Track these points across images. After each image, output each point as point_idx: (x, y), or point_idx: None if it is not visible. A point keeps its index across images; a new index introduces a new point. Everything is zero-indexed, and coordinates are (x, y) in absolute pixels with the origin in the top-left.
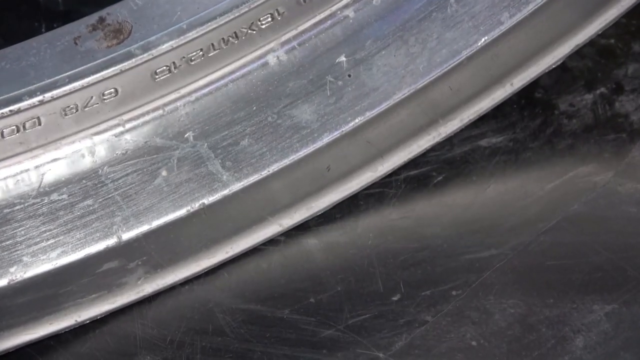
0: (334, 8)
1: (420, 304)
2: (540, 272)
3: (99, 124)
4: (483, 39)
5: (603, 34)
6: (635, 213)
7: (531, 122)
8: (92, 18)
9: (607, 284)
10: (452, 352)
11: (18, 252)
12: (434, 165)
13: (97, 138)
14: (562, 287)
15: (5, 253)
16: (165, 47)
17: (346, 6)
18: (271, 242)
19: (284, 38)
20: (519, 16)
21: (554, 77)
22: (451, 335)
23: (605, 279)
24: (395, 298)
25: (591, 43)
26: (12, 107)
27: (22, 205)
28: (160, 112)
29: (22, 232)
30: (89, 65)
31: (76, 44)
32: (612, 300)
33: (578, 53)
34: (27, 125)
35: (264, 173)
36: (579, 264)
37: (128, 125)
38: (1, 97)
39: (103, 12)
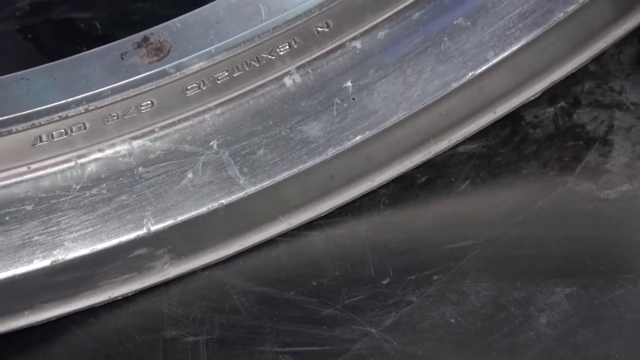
0: (343, 40)
1: (407, 286)
2: (510, 260)
3: (136, 130)
4: (470, 73)
5: None
6: (590, 209)
7: (501, 131)
8: (138, 37)
9: (567, 270)
10: (434, 328)
11: (61, 237)
12: (419, 169)
13: (134, 142)
14: (528, 273)
15: (50, 237)
16: (196, 67)
17: (354, 38)
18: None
19: (299, 64)
20: (502, 55)
21: None
22: (433, 313)
23: (565, 266)
24: (385, 282)
25: None
26: (61, 114)
27: (66, 197)
28: (190, 122)
29: (66, 220)
30: (131, 79)
31: (122, 58)
32: (572, 284)
33: None
34: (74, 129)
35: (276, 180)
36: (543, 253)
37: (161, 133)
38: (53, 105)
39: (147, 32)
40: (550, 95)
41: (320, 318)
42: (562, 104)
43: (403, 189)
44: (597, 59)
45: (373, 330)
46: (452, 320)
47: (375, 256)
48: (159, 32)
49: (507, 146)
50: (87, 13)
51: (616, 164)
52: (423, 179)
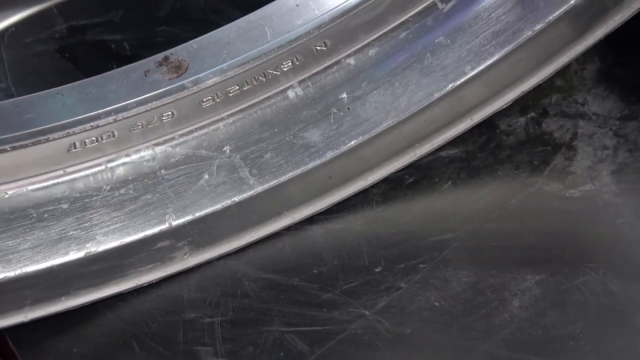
0: (339, 57)
1: (396, 274)
2: (486, 250)
3: (158, 137)
4: (450, 85)
5: None
6: (557, 206)
7: (479, 138)
8: (160, 56)
9: (536, 259)
10: (420, 311)
11: (93, 231)
12: (407, 171)
13: (157, 148)
14: (502, 262)
15: (83, 232)
16: (210, 82)
17: (348, 56)
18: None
19: (300, 78)
20: (478, 69)
21: None
22: (419, 297)
23: (535, 256)
24: (377, 270)
25: None
26: (92, 124)
27: (98, 197)
28: (205, 130)
29: (97, 217)
30: (153, 93)
31: (146, 75)
32: (541, 272)
33: None
34: (104, 137)
35: (281, 180)
36: (516, 245)
37: (181, 140)
38: (85, 115)
39: (168, 52)
40: (521, 106)
41: (320, 302)
42: (532, 114)
43: (393, 188)
44: (563, 75)
45: (367, 312)
46: (436, 304)
47: (368, 247)
48: (178, 52)
49: (484, 151)
50: (117, 35)
51: (580, 166)
52: (410, 180)
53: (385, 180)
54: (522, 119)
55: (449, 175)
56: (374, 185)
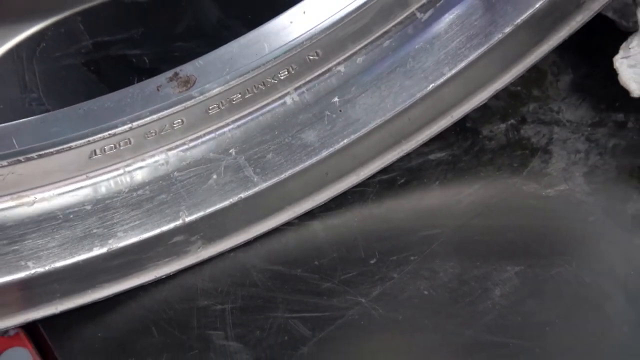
0: (330, 65)
1: (389, 265)
2: (471, 244)
3: (171, 143)
4: (431, 85)
5: (513, 83)
6: (534, 205)
7: (464, 143)
8: (170, 73)
9: (516, 253)
10: (411, 299)
11: (115, 229)
12: (398, 172)
13: (169, 153)
14: (485, 255)
15: (105, 230)
16: (216, 92)
17: (339, 63)
18: (288, 224)
19: (296, 85)
20: (455, 70)
21: (479, 112)
22: (410, 287)
23: (515, 250)
24: (372, 261)
25: (504, 89)
26: (110, 132)
27: (118, 198)
28: (213, 135)
29: (118, 216)
30: (165, 103)
31: (158, 90)
32: (520, 264)
33: (496, 96)
34: (122, 144)
35: (282, 177)
36: (497, 239)
37: (191, 144)
38: (104, 125)
39: (177, 69)
40: (502, 114)
41: (321, 290)
42: (512, 121)
43: (386, 188)
44: (539, 86)
45: (363, 300)
46: (426, 292)
47: (364, 241)
48: (186, 68)
49: (468, 155)
50: (137, 50)
51: (555, 168)
52: (402, 181)
53: (379, 182)
54: (503, 125)
55: (437, 176)
56: (369, 186)
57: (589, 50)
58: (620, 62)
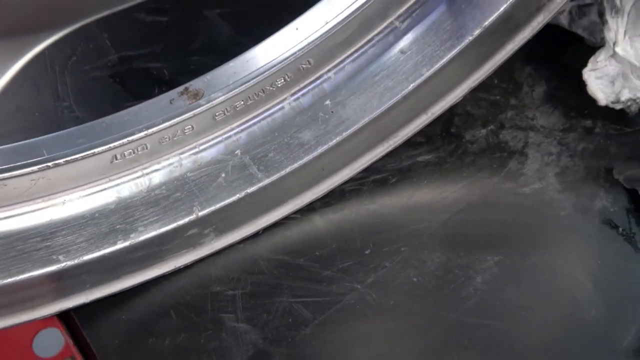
0: (321, 72)
1: (382, 255)
2: (455, 237)
3: (183, 147)
4: (411, 85)
5: (491, 92)
6: (512, 201)
7: (449, 146)
8: (181, 87)
9: (495, 244)
10: (401, 285)
11: (136, 224)
12: (390, 172)
13: (182, 156)
14: (468, 246)
15: (128, 225)
16: (221, 100)
17: (329, 70)
18: (291, 217)
19: (292, 91)
20: (432, 70)
21: (462, 119)
22: (401, 274)
23: (494, 242)
24: (367, 252)
25: (484, 99)
26: (129, 139)
27: (138, 197)
28: (220, 138)
29: (138, 213)
30: (176, 112)
31: (171, 103)
32: (499, 254)
33: (477, 104)
34: (139, 149)
35: (283, 173)
36: (478, 232)
37: (201, 147)
38: (124, 132)
39: (187, 84)
40: (482, 121)
41: (321, 278)
42: (492, 127)
43: (380, 186)
44: (516, 95)
45: (359, 287)
46: (415, 280)
47: (360, 234)
48: (195, 83)
49: (453, 157)
50: (157, 64)
51: (530, 169)
52: (394, 180)
53: (373, 181)
54: (484, 131)
55: (425, 176)
56: (364, 185)
57: (561, 63)
58: (589, 75)
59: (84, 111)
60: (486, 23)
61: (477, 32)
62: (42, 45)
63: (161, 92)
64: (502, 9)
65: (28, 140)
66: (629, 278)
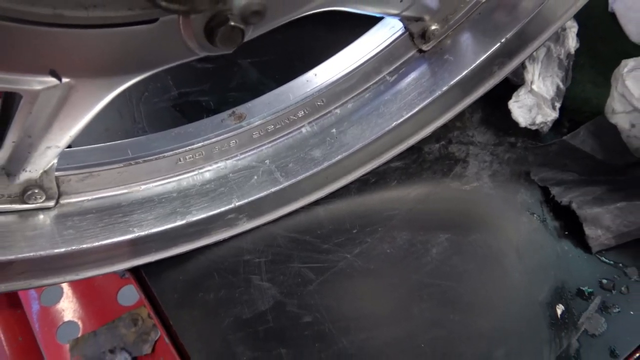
0: (330, 108)
1: (366, 233)
2: (418, 220)
3: (228, 155)
4: (394, 123)
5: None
6: (458, 196)
7: (412, 156)
8: (230, 111)
9: (446, 225)
10: (379, 255)
11: (191, 209)
12: (370, 175)
13: (227, 161)
14: (427, 227)
15: (185, 209)
16: (257, 123)
17: (336, 107)
18: (301, 208)
19: (309, 120)
20: (410, 113)
21: None
22: (378, 247)
23: (446, 224)
24: (354, 231)
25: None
26: (190, 147)
27: (193, 189)
28: (255, 151)
29: (193, 201)
30: (224, 130)
31: (221, 122)
32: (449, 233)
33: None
34: (197, 155)
35: (298, 179)
36: (433, 217)
37: (241, 156)
38: (184, 143)
39: (235, 108)
40: (436, 137)
41: (321, 250)
42: (443, 142)
43: (363, 185)
44: (460, 119)
45: (348, 256)
46: (388, 251)
47: (349, 218)
48: (240, 108)
49: (415, 163)
50: (206, 97)
51: (470, 172)
52: (373, 180)
53: (358, 180)
54: (437, 145)
55: (395, 177)
56: (352, 183)
57: (493, 97)
58: (513, 105)
59: (153, 131)
60: (452, 82)
61: (445, 88)
62: (127, 83)
63: (210, 117)
64: (464, 73)
65: (117, 142)
66: (542, 250)
